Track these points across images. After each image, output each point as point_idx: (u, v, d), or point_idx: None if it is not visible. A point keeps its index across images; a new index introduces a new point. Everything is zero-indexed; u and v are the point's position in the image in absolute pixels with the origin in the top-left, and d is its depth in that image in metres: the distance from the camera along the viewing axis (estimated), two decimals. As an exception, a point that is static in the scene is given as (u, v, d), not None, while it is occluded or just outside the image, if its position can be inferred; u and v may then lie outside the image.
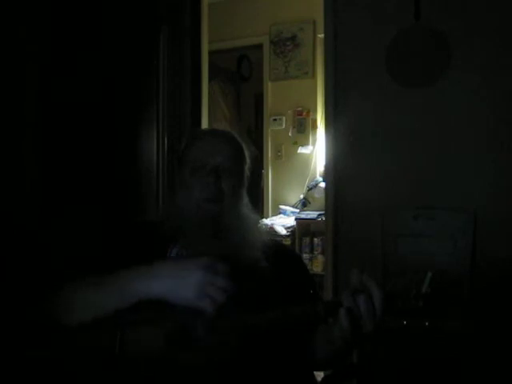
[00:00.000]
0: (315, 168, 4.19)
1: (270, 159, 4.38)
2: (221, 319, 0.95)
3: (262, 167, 4.26)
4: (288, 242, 3.82)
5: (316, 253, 3.86)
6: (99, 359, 0.95)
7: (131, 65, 2.29)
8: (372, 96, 2.18)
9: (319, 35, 3.97)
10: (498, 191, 1.98)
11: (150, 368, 0.95)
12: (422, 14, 2.07)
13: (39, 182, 1.81)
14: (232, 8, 4.30)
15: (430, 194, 2.08)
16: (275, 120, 4.33)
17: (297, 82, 4.25)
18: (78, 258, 1.16)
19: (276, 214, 4.22)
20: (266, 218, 4.13)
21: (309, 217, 3.94)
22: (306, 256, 3.83)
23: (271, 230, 3.74)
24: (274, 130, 4.36)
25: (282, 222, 4.00)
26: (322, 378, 1.43)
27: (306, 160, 4.22)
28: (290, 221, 4.02)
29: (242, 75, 5.14)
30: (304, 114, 4.22)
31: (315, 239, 3.89)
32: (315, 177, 4.17)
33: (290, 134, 4.29)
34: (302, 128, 4.22)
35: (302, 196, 4.20)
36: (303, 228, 3.98)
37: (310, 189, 4.13)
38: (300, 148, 4.21)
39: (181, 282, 0.95)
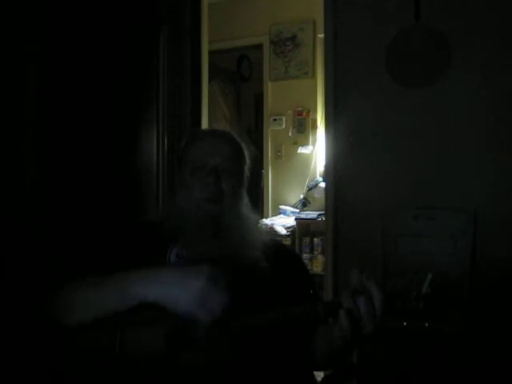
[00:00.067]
0: (315, 168, 4.19)
1: (269, 159, 4.38)
2: (221, 319, 0.94)
3: (262, 167, 4.26)
4: (288, 241, 3.82)
5: (316, 253, 3.86)
6: (99, 359, 0.95)
7: (131, 65, 2.29)
8: (372, 96, 2.18)
9: (319, 35, 3.97)
10: (498, 191, 1.98)
11: (149, 368, 0.95)
12: (422, 14, 2.07)
13: (39, 182, 1.81)
14: (232, 8, 4.30)
15: (430, 194, 2.08)
16: (275, 120, 4.34)
17: (297, 82, 4.25)
18: (78, 257, 1.16)
19: (276, 214, 4.22)
20: (266, 218, 4.13)
21: (309, 217, 3.94)
22: (305, 256, 3.83)
23: (271, 230, 3.74)
24: (274, 130, 4.36)
25: (282, 222, 4.00)
26: (322, 378, 1.43)
27: (306, 160, 4.22)
28: (290, 221, 4.02)
29: (242, 75, 5.14)
30: (304, 113, 4.22)
31: (315, 239, 3.89)
32: (315, 177, 4.17)
33: (290, 134, 4.29)
34: (302, 128, 4.22)
35: (302, 196, 4.20)
36: (303, 228, 3.98)
37: (310, 189, 4.13)
38: (300, 148, 4.21)
39: (181, 289, 0.93)
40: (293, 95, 4.26)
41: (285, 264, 1.25)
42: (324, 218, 2.41)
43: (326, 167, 2.35)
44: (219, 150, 1.22)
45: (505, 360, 1.85)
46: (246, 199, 1.26)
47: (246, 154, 1.28)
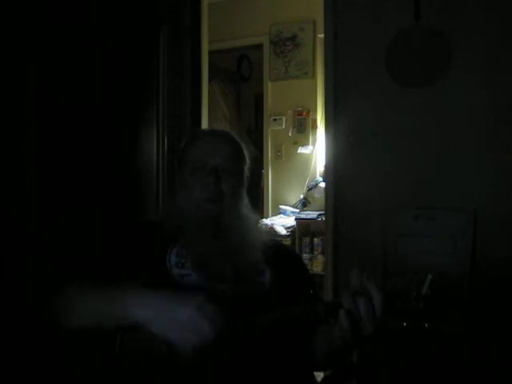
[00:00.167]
0: (315, 168, 4.19)
1: (270, 159, 4.38)
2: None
3: (262, 167, 4.26)
4: (288, 242, 3.82)
5: (316, 253, 3.85)
6: (99, 359, 0.95)
7: (131, 65, 2.29)
8: (372, 96, 2.18)
9: (319, 35, 3.96)
10: (498, 191, 1.98)
11: (149, 368, 0.95)
12: (422, 14, 2.06)
13: (39, 182, 1.81)
14: (232, 8, 4.30)
15: (430, 194, 2.08)
16: (275, 120, 4.33)
17: (297, 82, 4.25)
18: (78, 258, 1.16)
19: (276, 214, 4.22)
20: (266, 218, 4.13)
21: (309, 217, 3.94)
22: (305, 256, 3.83)
23: (271, 230, 3.74)
24: (274, 130, 4.36)
25: (282, 222, 4.00)
26: (322, 378, 1.43)
27: (306, 160, 4.22)
28: (290, 221, 4.02)
29: (242, 75, 5.13)
30: (304, 113, 4.21)
31: (315, 239, 3.88)
32: (315, 177, 4.16)
33: (290, 134, 4.29)
34: (302, 128, 4.22)
35: (302, 196, 4.20)
36: (303, 228, 3.98)
37: (310, 189, 4.13)
38: (300, 148, 4.21)
39: (166, 317, 0.92)
40: (293, 95, 4.26)
41: (285, 264, 1.25)
42: (324, 218, 2.41)
43: (326, 167, 2.35)
44: (219, 150, 1.22)
45: (505, 360, 1.85)
46: (245, 199, 1.26)
47: (246, 154, 1.28)
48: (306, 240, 3.93)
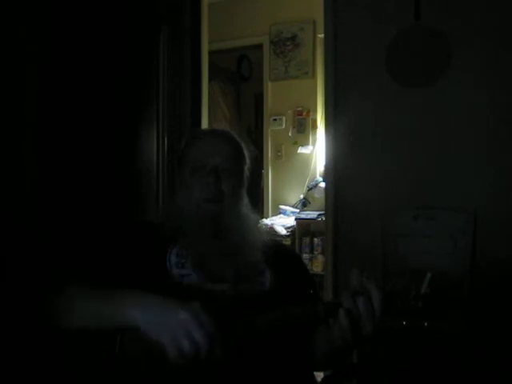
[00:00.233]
0: (315, 168, 4.19)
1: (270, 159, 4.38)
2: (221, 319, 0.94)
3: (262, 167, 4.26)
4: (288, 242, 3.82)
5: (316, 253, 3.85)
6: (99, 359, 0.95)
7: (131, 65, 2.29)
8: (372, 96, 2.18)
9: (319, 35, 3.96)
10: (498, 191, 1.98)
11: (150, 368, 0.95)
12: (422, 14, 2.07)
13: (39, 182, 1.81)
14: (232, 8, 4.30)
15: (430, 194, 2.08)
16: (275, 120, 4.33)
17: (297, 82, 4.25)
18: (78, 258, 1.16)
19: (276, 214, 4.22)
20: (266, 218, 4.13)
21: (309, 217, 3.94)
22: (305, 256, 3.83)
23: (271, 230, 3.74)
24: (274, 130, 4.36)
25: (282, 222, 4.00)
26: (322, 378, 1.43)
27: (306, 160, 4.22)
28: (290, 221, 4.02)
29: (242, 75, 5.14)
30: (304, 113, 4.21)
31: (315, 239, 3.88)
32: (315, 177, 4.16)
33: (290, 134, 4.29)
34: (302, 128, 4.22)
35: (302, 196, 4.20)
36: (303, 228, 3.98)
37: (310, 189, 4.13)
38: (300, 148, 4.21)
39: (162, 320, 0.91)
40: (293, 95, 4.26)
41: (285, 264, 1.25)
42: (324, 218, 2.41)
43: (326, 167, 2.35)
44: (219, 150, 1.22)
45: (505, 360, 1.85)
46: (245, 199, 1.26)
47: (246, 153, 1.28)
48: (306, 240, 3.93)
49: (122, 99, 2.22)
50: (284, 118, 4.30)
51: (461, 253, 1.97)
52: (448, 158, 2.06)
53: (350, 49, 2.22)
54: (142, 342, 0.94)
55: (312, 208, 4.07)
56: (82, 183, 1.97)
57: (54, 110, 1.87)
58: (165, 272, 1.14)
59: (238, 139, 1.28)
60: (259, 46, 4.45)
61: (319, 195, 3.89)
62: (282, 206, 4.21)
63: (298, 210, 4.13)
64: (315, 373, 1.28)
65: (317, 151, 4.15)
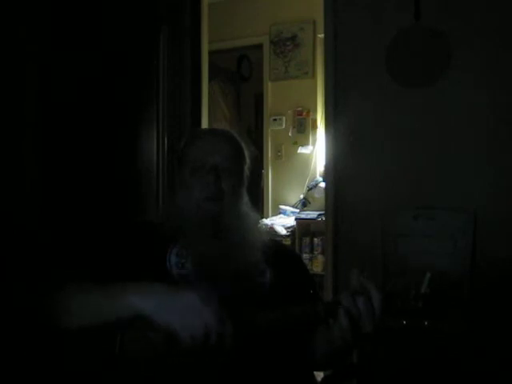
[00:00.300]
0: (315, 168, 4.19)
1: (270, 159, 4.38)
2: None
3: (262, 167, 4.25)
4: (288, 242, 3.82)
5: (316, 253, 3.85)
6: (99, 359, 0.95)
7: (131, 65, 2.29)
8: (372, 96, 2.18)
9: (319, 35, 3.96)
10: (498, 191, 1.98)
11: (149, 368, 0.95)
12: (422, 14, 2.06)
13: (39, 182, 1.81)
14: (232, 8, 4.30)
15: (429, 194, 2.08)
16: (275, 120, 4.33)
17: (297, 82, 4.25)
18: (78, 258, 1.16)
19: (276, 214, 4.22)
20: (266, 218, 4.13)
21: (309, 217, 3.94)
22: (305, 256, 3.83)
23: (271, 230, 3.74)
24: (274, 130, 4.36)
25: (282, 222, 4.00)
26: (322, 378, 1.43)
27: (306, 160, 4.22)
28: (290, 221, 4.02)
29: (242, 75, 5.14)
30: (304, 113, 4.22)
31: (315, 239, 3.88)
32: (315, 177, 4.16)
33: (290, 134, 4.29)
34: (302, 128, 4.22)
35: (302, 196, 4.20)
36: (303, 228, 3.98)
37: (310, 189, 4.13)
38: (300, 148, 4.21)
39: (169, 304, 0.92)
40: (293, 95, 4.26)
41: (285, 264, 1.25)
42: (324, 218, 2.41)
43: (326, 167, 2.35)
44: (219, 149, 1.22)
45: (505, 360, 1.85)
46: (245, 198, 1.26)
47: (246, 153, 1.28)
48: (306, 240, 3.93)
49: (122, 99, 2.22)
50: (284, 118, 4.30)
51: (461, 253, 1.97)
52: (448, 158, 2.06)
53: (349, 49, 2.22)
54: (142, 342, 0.94)
55: (312, 208, 4.07)
56: (81, 183, 1.97)
57: (54, 110, 1.87)
58: (165, 272, 1.14)
59: (237, 138, 1.28)
60: (259, 46, 4.45)
61: (319, 195, 3.89)
62: (281, 206, 4.21)
63: (298, 210, 4.13)
64: (315, 373, 1.28)
65: (317, 151, 4.15)
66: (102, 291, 0.98)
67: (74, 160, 1.95)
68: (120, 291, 0.97)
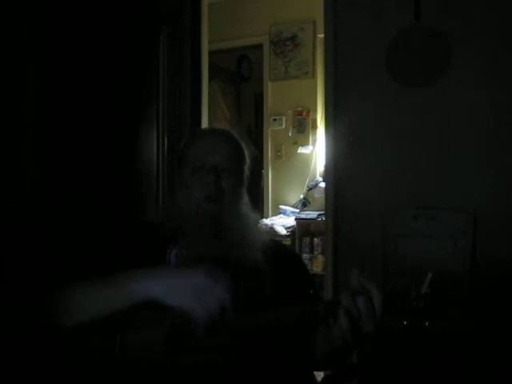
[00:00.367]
0: (315, 168, 4.19)
1: (270, 159, 4.38)
2: (221, 319, 0.94)
3: (262, 167, 4.26)
4: (288, 242, 3.82)
5: (316, 253, 3.86)
6: (99, 359, 0.95)
7: (131, 65, 2.29)
8: (372, 96, 2.18)
9: (319, 35, 3.97)
10: (498, 191, 1.98)
11: (149, 368, 0.95)
12: (422, 14, 2.07)
13: (39, 182, 1.81)
14: (232, 8, 4.30)
15: (429, 194, 2.08)
16: (275, 120, 4.34)
17: (297, 82, 4.25)
18: (78, 257, 1.16)
19: (276, 214, 4.22)
20: (266, 218, 4.13)
21: (309, 217, 3.94)
22: (305, 256, 3.83)
23: (271, 230, 3.74)
24: (274, 130, 4.36)
25: (282, 222, 4.00)
26: (322, 378, 1.43)
27: (306, 160, 4.22)
28: (290, 221, 4.02)
29: (242, 75, 5.14)
30: (304, 113, 4.22)
31: (315, 239, 3.89)
32: (315, 177, 4.17)
33: (290, 134, 4.29)
34: (302, 128, 4.22)
35: (302, 196, 4.20)
36: (303, 228, 3.98)
37: (310, 189, 4.14)
38: (300, 148, 4.21)
39: (179, 284, 0.93)
40: (293, 95, 4.26)
41: (285, 264, 1.25)
42: (324, 218, 2.41)
43: (326, 167, 2.35)
44: (219, 149, 1.22)
45: (505, 360, 1.85)
46: (245, 198, 1.26)
47: (246, 153, 1.28)
48: (306, 240, 3.93)
49: (122, 99, 2.22)
50: (284, 118, 4.30)
51: (461, 253, 1.97)
52: (448, 158, 2.06)
53: (349, 49, 2.22)
54: (142, 342, 0.94)
55: (312, 208, 4.07)
56: (81, 183, 1.97)
57: (54, 110, 1.87)
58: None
59: (237, 138, 1.28)
60: (259, 46, 4.45)
61: (319, 195, 3.89)
62: (281, 206, 4.21)
63: (298, 210, 4.13)
64: (315, 373, 1.28)
65: (317, 151, 4.15)
66: (103, 283, 0.98)
67: (73, 160, 1.95)
68: (124, 279, 0.97)
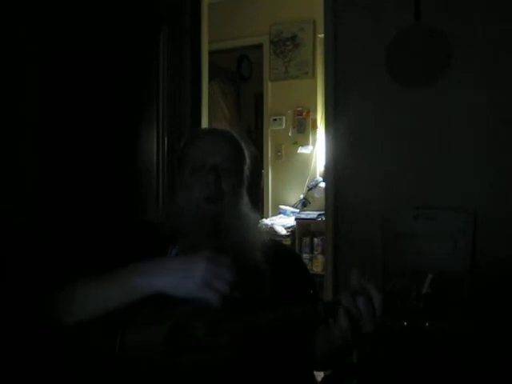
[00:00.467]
0: (315, 168, 4.19)
1: (270, 159, 4.38)
2: (221, 319, 0.94)
3: (262, 167, 4.26)
4: (288, 242, 3.82)
5: (316, 253, 3.86)
6: (99, 359, 0.95)
7: (131, 65, 2.29)
8: (372, 96, 2.18)
9: (319, 35, 3.97)
10: (498, 191, 1.98)
11: (149, 368, 0.95)
12: (422, 14, 2.07)
13: (39, 182, 1.81)
14: (232, 8, 4.30)
15: (429, 194, 2.08)
16: (275, 120, 4.34)
17: (297, 82, 4.25)
18: (78, 257, 1.16)
19: (276, 214, 4.22)
20: (266, 218, 4.13)
21: (309, 217, 3.94)
22: (305, 256, 3.83)
23: (271, 230, 3.74)
24: (274, 130, 4.36)
25: (282, 222, 4.00)
26: (322, 378, 1.43)
27: (306, 160, 4.22)
28: (290, 221, 4.02)
29: (242, 75, 5.14)
30: (304, 113, 4.22)
31: (315, 239, 3.89)
32: (315, 177, 4.17)
33: (290, 134, 4.29)
34: (302, 128, 4.22)
35: (302, 196, 4.20)
36: (303, 228, 3.98)
37: (310, 189, 4.14)
38: (300, 148, 4.21)
39: (183, 275, 0.94)
40: (293, 95, 4.26)
41: (285, 264, 1.25)
42: (324, 218, 2.41)
43: (326, 167, 2.35)
44: (219, 149, 1.22)
45: (505, 360, 1.85)
46: (246, 198, 1.26)
47: (246, 153, 1.28)
48: (306, 240, 3.93)
49: (122, 99, 2.22)
50: (284, 118, 4.30)
51: (461, 253, 1.98)
52: (448, 158, 2.06)
53: (350, 49, 2.22)
54: (142, 342, 0.94)
55: (312, 208, 4.07)
56: (81, 183, 1.97)
57: (54, 110, 1.87)
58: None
59: (237, 138, 1.28)
60: (259, 46, 4.45)
61: (319, 195, 3.89)
62: (281, 206, 4.21)
63: (298, 210, 4.13)
64: (315, 373, 1.28)
65: (317, 151, 4.15)
66: (104, 279, 0.98)
67: (73, 160, 1.95)
68: (126, 273, 0.97)
